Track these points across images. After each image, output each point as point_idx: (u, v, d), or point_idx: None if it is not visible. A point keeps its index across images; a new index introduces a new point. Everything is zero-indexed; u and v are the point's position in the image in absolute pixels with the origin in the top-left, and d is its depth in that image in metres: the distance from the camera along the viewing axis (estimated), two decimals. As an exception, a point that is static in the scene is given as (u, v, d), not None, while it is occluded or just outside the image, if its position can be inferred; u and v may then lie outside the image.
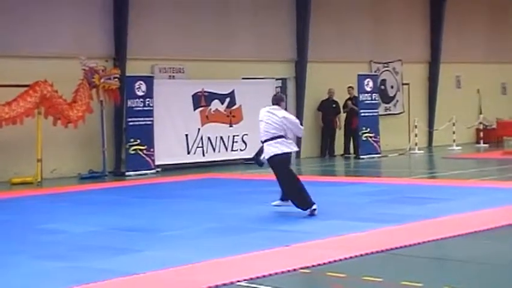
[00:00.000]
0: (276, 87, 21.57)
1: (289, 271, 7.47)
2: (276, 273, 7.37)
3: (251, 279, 7.17)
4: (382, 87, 24.47)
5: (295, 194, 10.97)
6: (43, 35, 17.57)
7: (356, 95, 22.43)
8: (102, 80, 17.55)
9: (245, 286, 7.00)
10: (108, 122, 18.41)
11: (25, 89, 16.31)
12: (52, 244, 9.36)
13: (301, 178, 11.57)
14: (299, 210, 10.93)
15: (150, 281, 7.33)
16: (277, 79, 21.74)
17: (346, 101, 22.73)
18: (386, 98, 24.77)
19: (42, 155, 16.60)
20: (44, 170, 16.86)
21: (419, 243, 8.73)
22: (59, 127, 16.97)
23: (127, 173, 18.14)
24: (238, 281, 7.10)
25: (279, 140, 11.02)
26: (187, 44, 20.02)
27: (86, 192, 15.33)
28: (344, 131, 22.87)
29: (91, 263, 8.12)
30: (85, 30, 18.35)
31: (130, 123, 18.37)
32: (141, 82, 18.49)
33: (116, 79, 17.83)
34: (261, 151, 11.35)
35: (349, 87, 22.63)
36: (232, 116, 20.26)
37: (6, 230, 10.56)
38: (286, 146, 11.09)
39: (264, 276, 7.28)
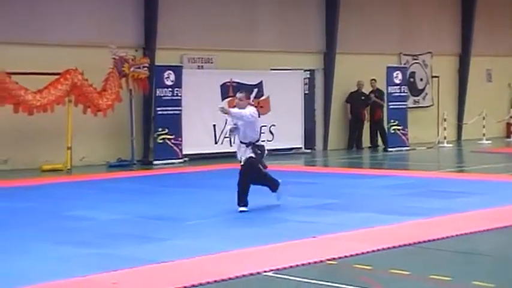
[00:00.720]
0: (304, 78, 21.54)
1: (315, 262, 7.47)
2: (303, 264, 7.37)
3: (278, 269, 7.17)
4: (411, 79, 24.31)
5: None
6: (74, 24, 17.67)
7: (380, 87, 22.33)
8: (131, 69, 17.62)
9: (272, 276, 7.01)
10: (137, 111, 18.50)
11: (56, 77, 16.43)
12: (79, 231, 9.44)
13: (328, 170, 11.54)
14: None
15: (175, 269, 7.37)
16: (305, 70, 21.69)
17: (369, 93, 22.62)
18: (415, 91, 24.60)
19: (72, 143, 16.72)
20: (74, 158, 16.99)
21: (447, 237, 8.68)
22: (89, 115, 17.08)
23: (155, 162, 18.23)
24: (265, 271, 7.11)
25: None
26: (216, 35, 20.03)
27: (114, 180, 15.43)
28: (369, 123, 22.79)
29: (117, 250, 8.18)
30: (116, 19, 18.43)
31: (159, 113, 18.44)
32: (170, 72, 18.55)
33: (145, 68, 17.90)
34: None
35: (372, 79, 22.52)
36: (260, 107, 20.22)
37: (36, 216, 10.67)
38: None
39: (290, 266, 7.28)
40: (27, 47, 16.82)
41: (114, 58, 17.40)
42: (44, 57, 16.96)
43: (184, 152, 18.72)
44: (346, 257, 7.67)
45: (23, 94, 15.73)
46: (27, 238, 8.91)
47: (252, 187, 10.90)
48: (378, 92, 22.46)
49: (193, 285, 6.66)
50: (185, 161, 18.62)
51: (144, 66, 17.89)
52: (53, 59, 16.92)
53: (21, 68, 15.89)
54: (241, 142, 10.97)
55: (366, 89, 22.58)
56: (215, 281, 6.79)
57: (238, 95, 11.22)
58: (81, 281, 6.84)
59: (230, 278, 6.91)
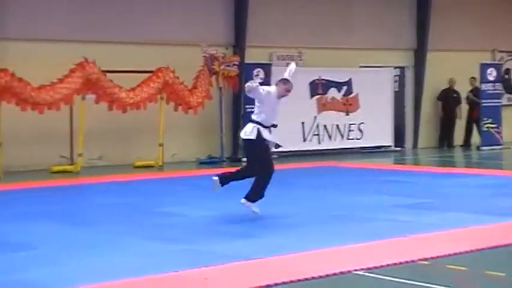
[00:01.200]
0: (394, 75, 21.27)
1: (407, 262, 7.37)
2: (395, 264, 7.28)
3: (368, 268, 7.11)
4: (506, 76, 23.67)
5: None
6: (166, 23, 17.96)
7: (478, 85, 21.85)
8: (221, 67, 17.79)
9: (362, 275, 6.96)
10: (227, 109, 18.67)
11: (148, 75, 16.74)
12: (171, 226, 9.58)
13: (419, 168, 11.38)
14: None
15: (265, 266, 7.39)
16: (395, 68, 21.43)
17: (469, 92, 22.16)
18: (510, 88, 23.95)
19: (163, 140, 17.01)
20: (165, 154, 17.28)
21: (544, 239, 8.43)
22: (180, 113, 17.33)
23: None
24: (355, 270, 7.06)
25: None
26: (305, 32, 20.00)
27: (204, 176, 15.55)
28: (466, 122, 22.33)
29: (208, 247, 8.26)
30: (207, 18, 18.65)
31: (248, 110, 18.48)
32: (259, 69, 18.63)
33: (235, 66, 18.04)
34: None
35: (472, 78, 22.06)
36: (349, 104, 20.13)
37: (128, 212, 10.89)
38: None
39: (381, 266, 7.20)
40: (121, 45, 17.20)
41: (204, 56, 17.60)
42: (137, 55, 17.30)
43: (272, 149, 18.72)
44: (439, 257, 7.53)
45: (117, 92, 16.09)
46: (120, 233, 9.10)
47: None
48: (476, 91, 22.00)
49: (284, 282, 6.67)
50: (273, 158, 18.61)
51: (234, 64, 18.03)
52: (145, 58, 17.25)
53: (115, 66, 16.25)
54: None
55: (460, 87, 22.12)
56: (305, 279, 6.78)
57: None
58: (173, 276, 6.94)
59: (320, 276, 6.89)
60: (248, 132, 10.07)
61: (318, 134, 19.66)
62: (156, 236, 8.88)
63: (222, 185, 10.34)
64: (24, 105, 14.96)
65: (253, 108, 18.30)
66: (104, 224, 9.88)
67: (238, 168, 10.93)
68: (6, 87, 14.62)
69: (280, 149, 18.80)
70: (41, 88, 15.13)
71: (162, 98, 16.95)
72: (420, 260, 7.43)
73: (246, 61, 18.69)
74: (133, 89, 16.42)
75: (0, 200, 12.19)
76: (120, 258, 7.69)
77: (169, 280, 6.83)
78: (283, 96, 10.49)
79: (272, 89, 10.48)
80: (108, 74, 16.06)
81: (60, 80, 15.41)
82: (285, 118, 19.05)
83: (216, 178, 10.31)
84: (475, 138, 22.20)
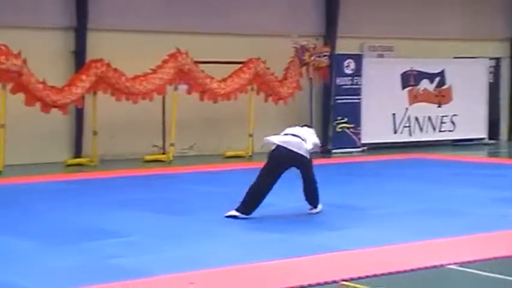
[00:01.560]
0: (489, 66, 20.76)
1: (504, 257, 7.20)
2: (489, 259, 7.14)
3: (462, 263, 6.99)
4: None
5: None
6: (257, 14, 18.04)
7: None
8: (312, 58, 17.76)
9: (456, 269, 6.85)
10: (317, 100, 18.62)
11: (240, 66, 16.86)
12: (262, 216, 9.63)
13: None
14: None
15: (354, 258, 7.38)
16: (490, 59, 20.90)
17: None
18: None
19: (253, 130, 17.12)
20: (255, 145, 17.39)
21: None
22: (270, 103, 17.40)
23: (333, 151, 18.30)
24: (449, 264, 6.96)
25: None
26: (397, 23, 19.75)
27: (293, 167, 15.59)
28: None
29: (298, 237, 8.30)
30: (297, 9, 18.63)
31: (338, 101, 18.48)
32: (350, 60, 18.52)
33: (326, 57, 17.97)
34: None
35: None
36: (441, 96, 19.78)
37: (220, 201, 11.00)
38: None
39: (475, 260, 7.07)
40: (213, 36, 17.37)
41: (295, 47, 17.60)
42: (228, 46, 17.44)
43: (363, 141, 18.65)
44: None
45: (209, 82, 16.27)
46: (214, 222, 9.23)
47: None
48: None
49: (375, 275, 6.64)
50: (364, 150, 18.55)
51: (324, 55, 17.96)
52: (237, 49, 17.37)
53: (207, 57, 16.43)
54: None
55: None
56: (397, 272, 6.73)
57: None
58: (265, 265, 7.00)
59: (412, 270, 6.82)
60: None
61: (409, 126, 19.41)
62: (248, 226, 8.96)
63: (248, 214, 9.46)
64: (119, 95, 15.31)
65: (343, 99, 18.49)
66: (197, 212, 10.03)
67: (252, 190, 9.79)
68: (102, 78, 14.99)
69: (369, 141, 18.84)
70: (135, 78, 15.45)
71: (252, 89, 17.05)
72: (517, 255, 7.27)
73: (337, 52, 18.60)
74: (224, 80, 16.57)
75: (95, 188, 12.53)
76: (215, 247, 7.79)
77: (261, 270, 6.89)
78: None
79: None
80: (200, 65, 16.26)
81: (154, 71, 15.70)
82: (375, 110, 19.03)
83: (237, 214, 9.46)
84: None
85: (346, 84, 18.48)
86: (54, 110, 14.52)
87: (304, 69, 17.84)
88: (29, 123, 14.92)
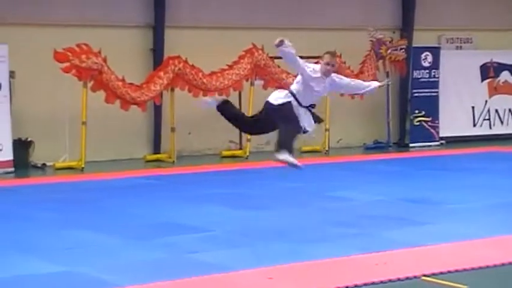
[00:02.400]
0: None
1: None
2: None
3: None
4: None
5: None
6: (334, 8, 17.95)
7: None
8: (389, 51, 17.58)
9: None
10: (393, 93, 18.43)
11: (315, 60, 16.74)
12: (338, 211, 9.64)
13: None
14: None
15: (434, 253, 7.31)
16: None
17: None
18: None
19: (329, 125, 17.07)
20: (331, 140, 17.34)
21: None
22: (346, 98, 17.28)
23: (411, 145, 18.10)
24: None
25: None
26: (476, 14, 19.36)
27: (370, 162, 15.55)
28: None
29: (376, 232, 8.26)
30: (374, 1, 18.46)
31: (415, 95, 18.26)
32: (428, 53, 18.26)
33: (403, 50, 17.77)
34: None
35: None
36: (517, 89, 19.35)
37: (297, 196, 11.05)
38: None
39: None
40: (289, 31, 17.29)
41: (371, 40, 17.46)
42: (304, 41, 17.33)
43: (441, 135, 18.38)
44: None
45: (285, 77, 16.28)
46: (293, 217, 9.26)
47: None
48: None
49: (457, 270, 6.56)
50: (442, 143, 18.29)
51: (401, 48, 17.77)
52: (313, 43, 17.27)
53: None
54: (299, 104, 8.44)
55: None
56: (479, 267, 6.63)
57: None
58: (345, 260, 7.00)
59: (494, 265, 6.72)
60: (281, 97, 8.42)
61: (489, 119, 19.03)
62: (327, 220, 8.95)
63: (218, 110, 8.77)
64: (196, 92, 15.48)
65: (421, 92, 18.29)
66: (274, 207, 10.08)
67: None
68: (179, 74, 15.18)
69: (448, 134, 18.58)
70: (212, 74, 15.59)
71: (328, 83, 16.98)
72: None
73: (414, 45, 18.36)
74: (300, 75, 16.55)
75: (174, 183, 12.72)
76: (293, 242, 7.81)
77: (342, 264, 6.89)
78: (325, 74, 8.49)
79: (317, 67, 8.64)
80: (276, 60, 16.28)
81: (230, 67, 15.81)
82: (454, 102, 18.72)
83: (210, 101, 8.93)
84: None
85: (423, 77, 18.24)
86: (133, 107, 14.78)
87: (380, 62, 17.69)
88: (109, 120, 15.23)
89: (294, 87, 8.51)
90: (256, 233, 8.37)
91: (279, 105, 8.37)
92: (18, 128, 14.28)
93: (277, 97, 8.49)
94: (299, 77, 8.55)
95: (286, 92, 8.51)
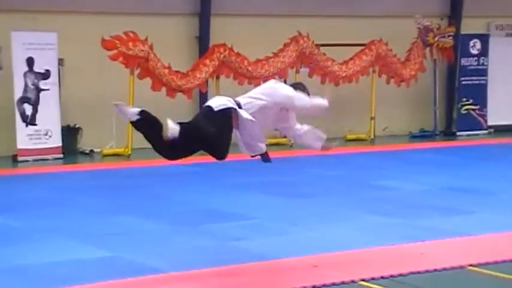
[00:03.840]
0: None
1: None
2: None
3: None
4: None
5: None
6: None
7: None
8: (436, 39, 17.36)
9: None
10: (440, 81, 18.22)
11: (361, 48, 16.71)
12: (383, 200, 9.58)
13: None
14: None
15: (480, 243, 7.23)
16: None
17: None
18: None
19: (375, 113, 16.96)
20: (377, 128, 17.22)
21: None
22: (392, 86, 17.17)
23: (458, 133, 17.89)
24: None
25: None
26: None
27: (416, 150, 15.41)
28: None
29: (422, 221, 8.20)
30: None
31: (463, 82, 18.03)
32: (476, 40, 18.01)
33: (450, 37, 17.54)
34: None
35: None
36: None
37: (341, 185, 11.01)
38: None
39: None
40: (334, 19, 17.26)
41: (418, 28, 17.25)
42: (349, 28, 17.29)
43: (489, 123, 18.14)
44: None
45: (330, 65, 16.22)
46: (337, 205, 9.24)
47: None
48: None
49: (504, 261, 6.48)
50: (490, 132, 18.04)
51: (449, 35, 17.53)
52: (358, 31, 17.20)
53: (328, 39, 16.36)
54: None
55: None
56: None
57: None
58: (390, 250, 6.96)
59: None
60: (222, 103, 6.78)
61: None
62: (372, 209, 8.92)
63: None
64: (242, 79, 15.49)
65: (469, 80, 18.04)
66: (319, 195, 10.06)
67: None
68: (225, 62, 15.20)
69: (496, 123, 18.34)
70: (257, 62, 15.58)
71: (374, 71, 16.86)
72: None
73: (462, 32, 18.11)
74: (346, 62, 16.46)
75: (219, 171, 12.75)
76: (337, 230, 7.81)
77: (387, 253, 6.86)
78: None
79: None
80: (321, 48, 16.22)
81: (275, 54, 15.78)
82: (502, 90, 18.42)
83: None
84: None
85: (471, 65, 18.00)
86: (179, 94, 14.86)
87: (427, 50, 17.49)
88: (155, 108, 15.28)
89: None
90: (299, 220, 8.37)
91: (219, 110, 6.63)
92: (67, 114, 14.48)
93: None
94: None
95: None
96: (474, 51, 17.97)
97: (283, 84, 6.81)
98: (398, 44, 16.88)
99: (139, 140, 14.55)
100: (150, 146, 6.50)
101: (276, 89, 6.68)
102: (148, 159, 13.83)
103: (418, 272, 6.23)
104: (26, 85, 13.80)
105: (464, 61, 17.94)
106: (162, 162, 13.40)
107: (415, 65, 17.13)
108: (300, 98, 6.62)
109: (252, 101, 6.70)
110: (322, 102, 6.70)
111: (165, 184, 11.17)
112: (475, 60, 17.99)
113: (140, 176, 12.10)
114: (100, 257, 6.77)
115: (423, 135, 17.66)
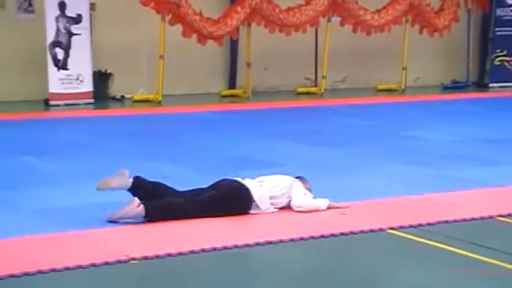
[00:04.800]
0: None
1: None
2: None
3: None
4: None
5: None
6: None
7: None
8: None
9: None
10: (474, 32, 17.99)
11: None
12: (413, 150, 9.54)
13: None
14: None
15: (510, 194, 7.19)
16: None
17: None
18: None
19: (407, 63, 16.80)
20: (408, 78, 17.08)
21: None
22: (424, 36, 16.97)
23: (490, 85, 17.71)
24: None
25: None
26: None
27: (448, 101, 15.30)
28: None
29: (453, 171, 8.16)
30: None
31: (498, 33, 17.77)
32: (514, -9, 17.74)
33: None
34: None
35: None
36: None
37: (373, 134, 10.97)
38: None
39: None
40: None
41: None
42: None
43: (525, 75, 17.96)
44: None
45: (362, 14, 16.04)
46: (367, 155, 9.21)
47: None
48: None
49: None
50: (525, 84, 17.88)
51: (484, -14, 17.26)
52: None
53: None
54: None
55: None
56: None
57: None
58: (419, 199, 6.96)
59: None
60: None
61: None
62: (402, 159, 8.89)
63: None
64: (273, 27, 15.40)
65: (503, 30, 17.73)
66: (349, 145, 10.05)
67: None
68: (256, 9, 15.10)
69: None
70: (289, 10, 15.45)
71: (407, 21, 16.66)
72: None
73: (499, -18, 17.81)
74: (378, 11, 16.28)
75: (248, 118, 12.78)
76: (368, 180, 7.80)
77: (415, 203, 6.86)
78: None
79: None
80: (355, -4, 16.05)
81: (307, 2, 15.63)
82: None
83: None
84: None
85: (507, 15, 17.72)
86: (210, 41, 14.82)
87: (462, 0, 17.22)
88: (186, 54, 15.33)
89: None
90: (329, 169, 8.37)
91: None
92: (98, 60, 14.53)
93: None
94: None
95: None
96: (510, 1, 17.67)
97: (300, 186, 6.64)
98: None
99: (169, 86, 14.70)
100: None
101: (291, 188, 6.61)
102: (178, 106, 13.92)
103: (446, 222, 6.22)
104: (57, 29, 13.85)
105: (499, 11, 17.66)
106: (191, 109, 13.56)
107: (449, 14, 16.89)
108: (303, 200, 6.55)
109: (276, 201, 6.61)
110: (321, 206, 6.54)
111: (195, 131, 11.22)
112: (511, 10, 17.69)
113: (170, 123, 12.17)
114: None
115: (455, 87, 17.51)
